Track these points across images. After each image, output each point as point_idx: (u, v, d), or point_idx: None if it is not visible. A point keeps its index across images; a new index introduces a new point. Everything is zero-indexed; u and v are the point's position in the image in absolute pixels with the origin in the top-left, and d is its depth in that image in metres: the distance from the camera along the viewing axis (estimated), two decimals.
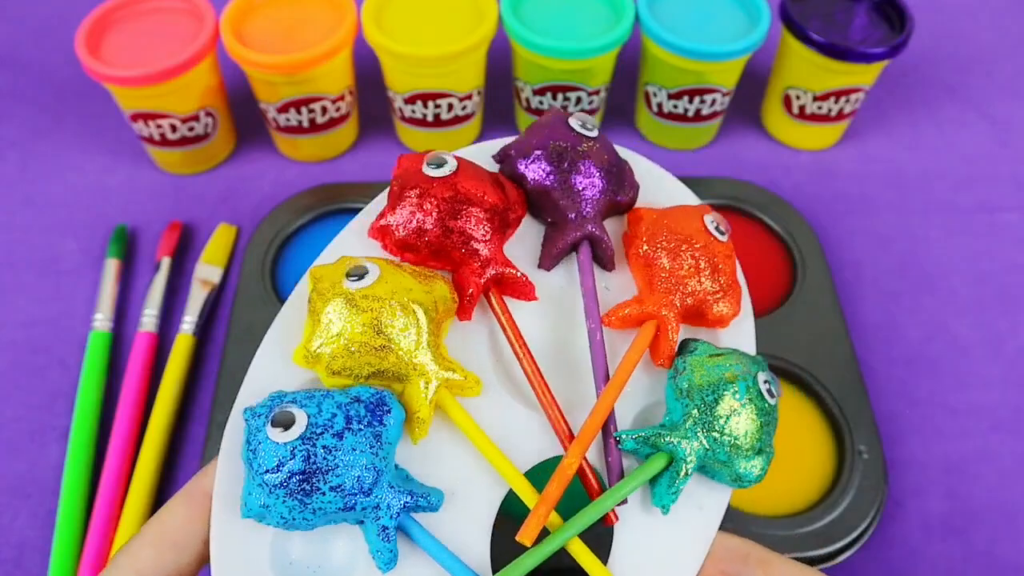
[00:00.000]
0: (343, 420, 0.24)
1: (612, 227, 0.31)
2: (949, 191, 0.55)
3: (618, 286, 0.30)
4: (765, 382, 0.27)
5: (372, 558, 0.25)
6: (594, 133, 0.30)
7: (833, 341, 0.44)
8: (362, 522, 0.24)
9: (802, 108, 0.54)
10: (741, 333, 0.30)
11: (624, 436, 0.26)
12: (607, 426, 0.27)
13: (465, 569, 0.24)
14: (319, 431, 0.23)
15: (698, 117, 0.54)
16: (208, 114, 0.52)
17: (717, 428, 0.26)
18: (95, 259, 0.50)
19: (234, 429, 0.26)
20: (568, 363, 0.29)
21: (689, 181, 0.34)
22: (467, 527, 0.26)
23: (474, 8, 0.51)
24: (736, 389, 0.26)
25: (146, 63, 0.47)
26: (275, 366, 0.27)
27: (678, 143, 0.56)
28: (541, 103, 0.53)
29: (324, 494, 0.23)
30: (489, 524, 0.26)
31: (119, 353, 0.46)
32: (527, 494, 0.25)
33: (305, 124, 0.52)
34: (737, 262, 0.31)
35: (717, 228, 0.30)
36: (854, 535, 0.38)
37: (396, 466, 0.26)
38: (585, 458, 0.26)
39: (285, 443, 0.23)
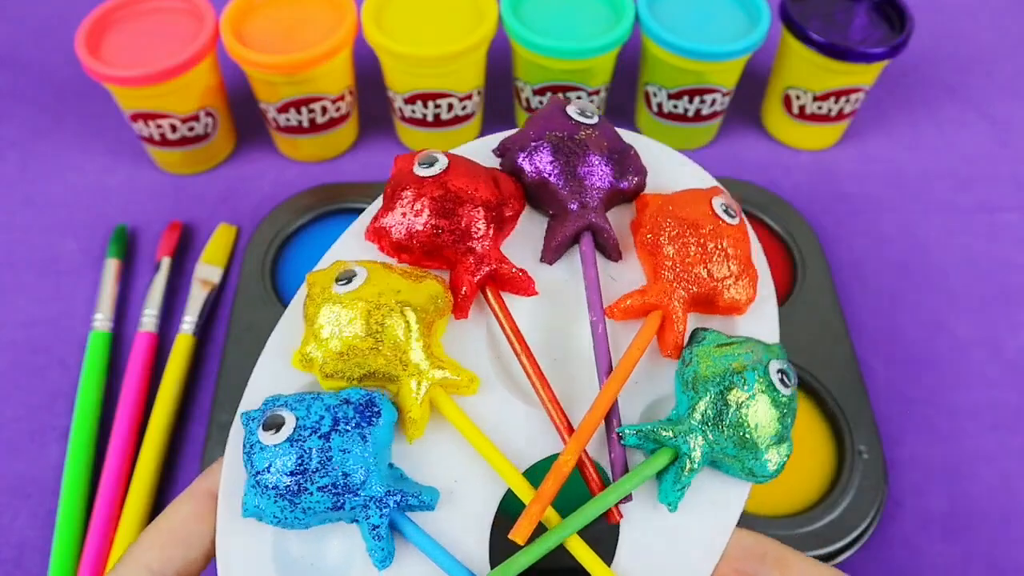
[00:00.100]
0: (331, 421, 0.24)
1: (623, 215, 0.31)
2: (949, 191, 0.55)
3: (627, 276, 0.29)
4: (778, 371, 0.26)
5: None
6: (593, 120, 0.30)
7: (833, 341, 0.44)
8: (356, 521, 0.25)
9: (802, 108, 0.54)
10: (762, 318, 0.29)
11: (626, 431, 0.26)
12: (610, 421, 0.26)
13: (459, 567, 0.24)
14: (307, 433, 0.24)
15: (698, 117, 0.54)
16: (208, 114, 0.52)
17: (723, 421, 0.25)
18: (95, 259, 0.50)
19: (238, 431, 0.27)
20: (573, 358, 0.29)
21: None
22: (466, 526, 0.26)
23: (474, 8, 0.51)
24: (744, 379, 0.25)
25: (146, 63, 0.47)
26: (277, 370, 0.27)
27: (678, 143, 0.56)
28: (541, 103, 0.53)
29: (312, 494, 0.24)
30: (488, 523, 0.26)
31: (119, 353, 0.46)
32: (525, 492, 0.25)
33: (305, 124, 0.52)
34: (755, 244, 0.30)
35: (726, 211, 0.29)
36: (854, 535, 0.38)
37: (391, 465, 0.26)
38: (586, 454, 0.26)
39: (274, 445, 0.24)
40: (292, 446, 0.24)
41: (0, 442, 0.43)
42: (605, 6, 0.52)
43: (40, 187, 0.54)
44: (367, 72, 0.55)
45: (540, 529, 0.25)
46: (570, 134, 0.29)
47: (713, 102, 0.53)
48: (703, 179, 0.32)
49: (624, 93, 0.57)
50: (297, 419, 0.24)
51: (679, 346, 0.27)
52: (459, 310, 0.28)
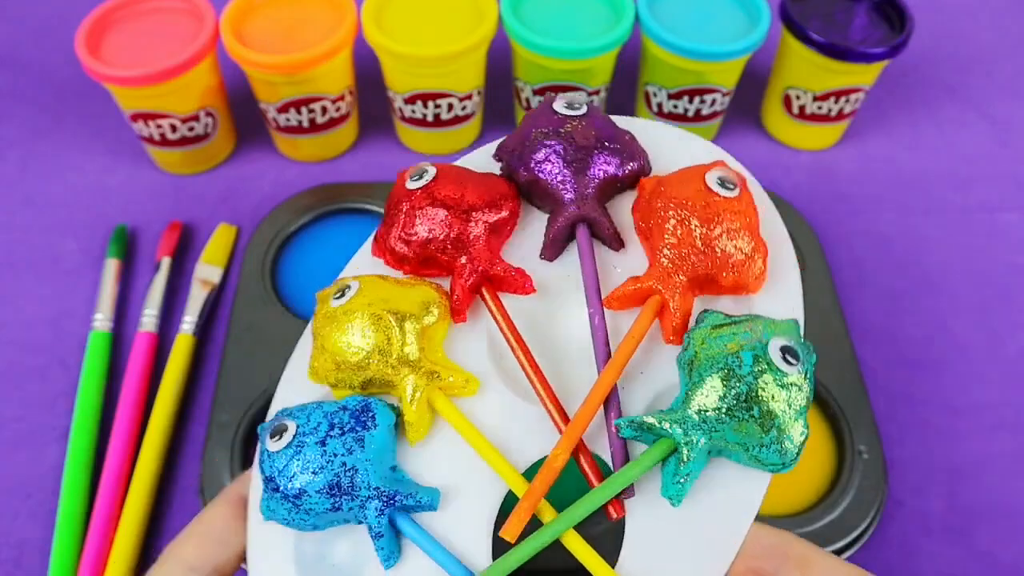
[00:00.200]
0: (327, 427, 0.25)
1: (628, 203, 0.30)
2: (949, 191, 0.55)
3: (630, 265, 0.29)
4: (781, 349, 0.24)
5: None
6: (580, 111, 0.29)
7: (833, 341, 0.44)
8: (362, 522, 0.25)
9: (802, 108, 0.54)
10: (780, 294, 0.27)
11: (622, 423, 0.25)
12: (611, 413, 0.26)
13: (459, 566, 0.25)
14: (305, 439, 0.25)
15: (698, 117, 0.54)
16: (208, 114, 0.52)
17: (720, 407, 0.23)
18: (95, 259, 0.50)
19: None
20: (577, 354, 0.28)
21: None
22: (468, 526, 0.26)
23: (474, 8, 0.51)
24: (740, 360, 0.23)
25: (146, 63, 0.47)
26: (298, 383, 0.29)
27: None
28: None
29: (311, 496, 0.25)
30: (491, 522, 0.26)
31: (119, 353, 0.46)
32: (522, 491, 0.25)
33: (305, 124, 0.52)
34: (770, 215, 0.28)
35: (722, 184, 0.27)
36: (854, 535, 0.38)
37: (395, 468, 0.26)
38: (585, 448, 0.26)
39: (278, 451, 0.25)
40: (293, 452, 0.25)
41: (0, 442, 0.43)
42: (605, 6, 0.52)
43: (40, 187, 0.54)
44: (367, 72, 0.55)
45: (538, 527, 0.25)
46: (555, 128, 0.29)
47: (713, 102, 0.53)
48: (708, 151, 0.31)
49: (624, 93, 0.57)
50: (298, 426, 0.25)
51: (678, 331, 0.26)
52: (455, 314, 0.28)
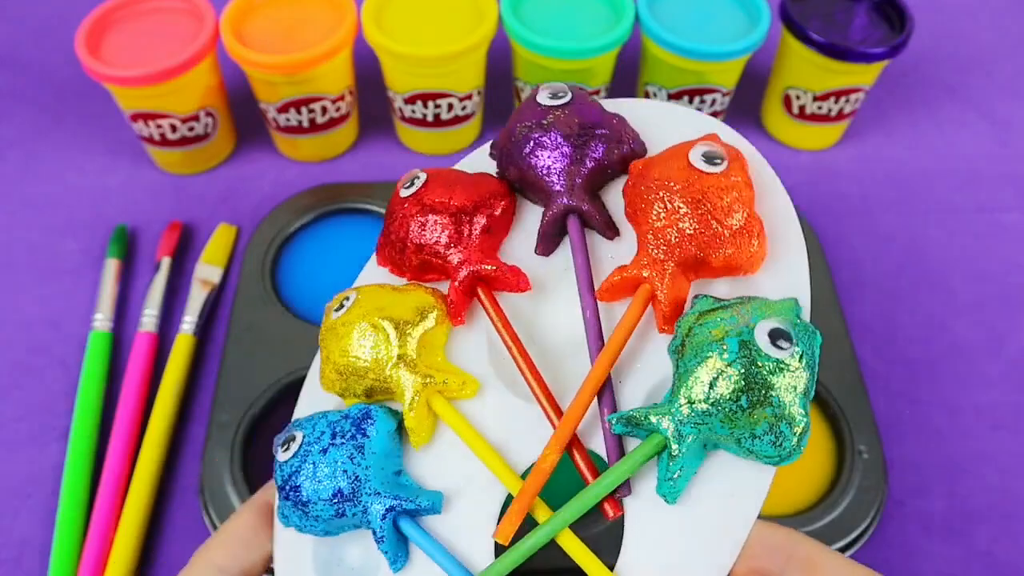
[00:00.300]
0: (329, 436, 0.26)
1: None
2: (949, 191, 0.55)
3: (624, 253, 0.28)
4: (770, 332, 0.22)
5: None
6: (563, 100, 0.29)
7: (833, 341, 0.44)
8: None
9: (802, 108, 0.54)
10: (780, 272, 0.26)
11: (613, 419, 0.24)
12: (603, 408, 0.25)
13: (461, 569, 0.25)
14: (310, 448, 0.26)
15: None
16: (208, 114, 0.52)
17: (706, 398, 0.22)
18: (95, 259, 0.50)
19: None
20: (575, 350, 0.28)
21: None
22: (472, 528, 0.26)
23: (474, 8, 0.51)
24: (725, 348, 0.22)
25: (146, 63, 0.47)
26: (315, 395, 0.30)
27: None
28: None
29: (316, 503, 0.25)
30: (493, 524, 0.26)
31: (119, 353, 0.46)
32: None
33: (305, 124, 0.52)
34: (772, 189, 0.26)
35: (707, 159, 0.25)
36: (854, 535, 0.38)
37: (400, 472, 0.27)
38: (580, 446, 0.26)
39: (286, 461, 0.26)
40: (299, 461, 0.26)
41: (0, 442, 0.43)
42: (605, 6, 0.52)
43: (40, 187, 0.54)
44: (367, 72, 0.55)
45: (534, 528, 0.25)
46: (538, 121, 0.29)
47: (713, 102, 0.53)
48: (705, 126, 0.30)
49: (624, 93, 0.57)
50: (304, 436, 0.26)
51: (669, 319, 0.25)
52: (451, 316, 0.28)
